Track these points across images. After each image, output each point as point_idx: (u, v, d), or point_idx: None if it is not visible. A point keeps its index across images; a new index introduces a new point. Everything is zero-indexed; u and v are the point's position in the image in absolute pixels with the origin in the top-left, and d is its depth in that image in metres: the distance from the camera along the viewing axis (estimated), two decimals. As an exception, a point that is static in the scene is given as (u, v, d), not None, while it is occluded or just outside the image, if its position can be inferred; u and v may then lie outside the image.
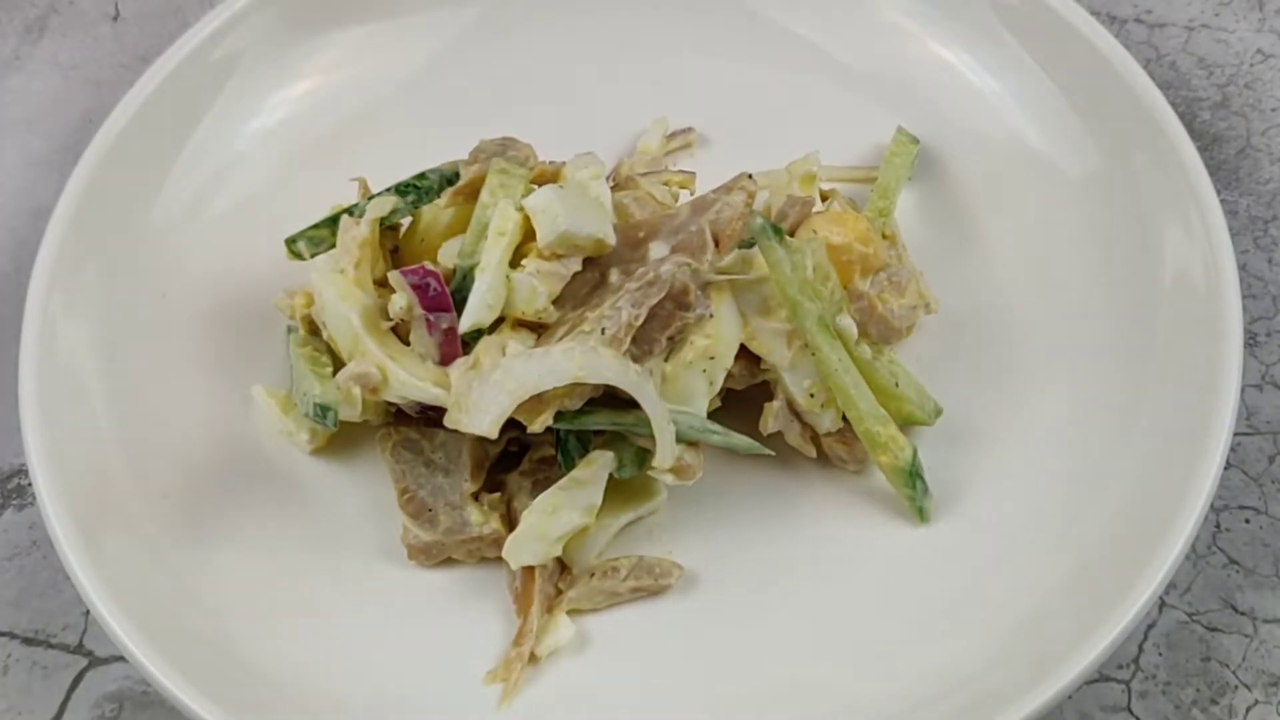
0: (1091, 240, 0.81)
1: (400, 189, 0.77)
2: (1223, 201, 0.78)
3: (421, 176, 0.78)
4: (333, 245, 0.78)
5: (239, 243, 0.84)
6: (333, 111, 0.89)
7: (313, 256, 0.79)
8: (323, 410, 0.73)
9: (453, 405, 0.69)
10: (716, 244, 0.71)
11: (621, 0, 0.92)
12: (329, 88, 0.91)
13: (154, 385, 0.79)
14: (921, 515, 0.73)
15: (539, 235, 0.72)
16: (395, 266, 0.78)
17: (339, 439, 0.78)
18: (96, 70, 1.02)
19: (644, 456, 0.72)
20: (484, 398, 0.68)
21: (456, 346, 0.71)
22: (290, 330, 0.79)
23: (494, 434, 0.68)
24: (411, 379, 0.72)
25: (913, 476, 0.73)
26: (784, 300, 0.72)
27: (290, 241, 0.79)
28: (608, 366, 0.68)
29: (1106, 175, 0.82)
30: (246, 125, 0.89)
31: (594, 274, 0.73)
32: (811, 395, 0.73)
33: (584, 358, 0.67)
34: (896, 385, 0.74)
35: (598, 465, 0.72)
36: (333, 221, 0.80)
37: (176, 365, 0.80)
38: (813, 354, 0.72)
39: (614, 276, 0.73)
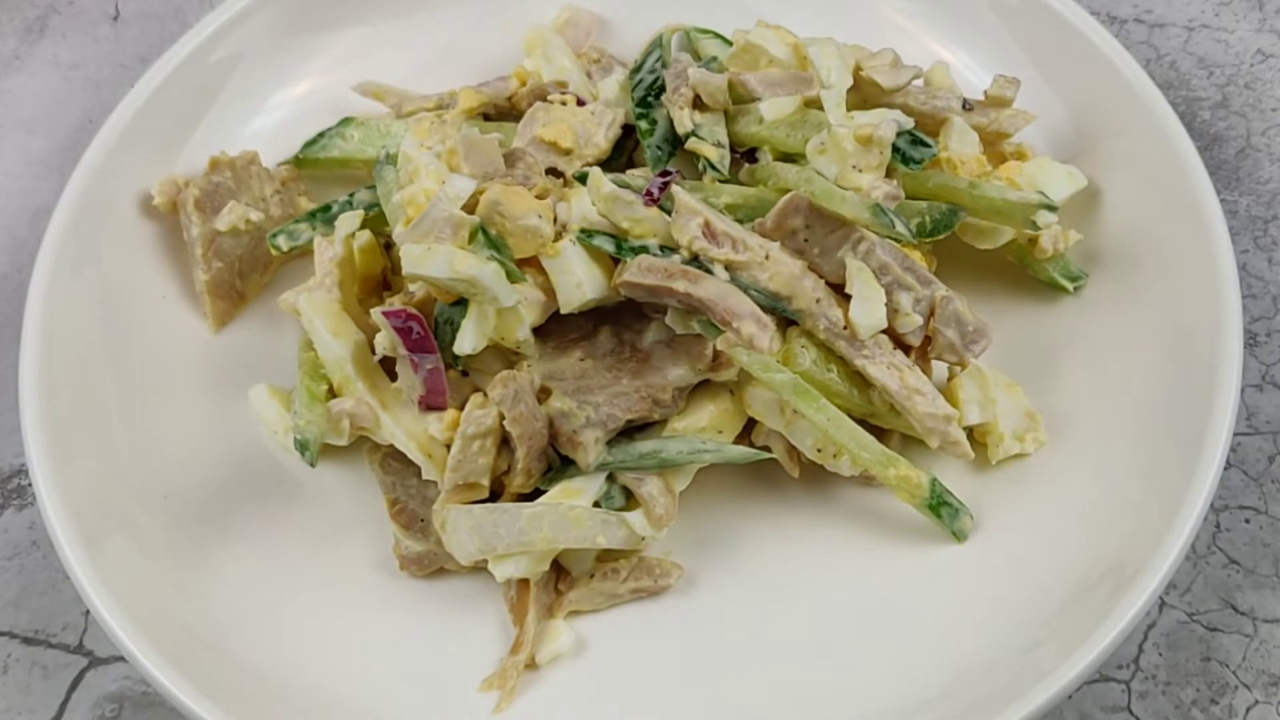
0: (1090, 241, 0.81)
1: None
2: (1223, 201, 0.78)
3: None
4: (310, 239, 0.79)
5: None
6: (333, 112, 0.89)
7: (290, 250, 0.80)
8: (301, 446, 0.73)
9: (437, 524, 0.71)
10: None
11: (619, 1, 0.93)
12: (329, 88, 0.91)
13: (154, 386, 0.79)
14: (956, 538, 0.72)
15: (560, 299, 0.72)
16: (392, 264, 0.79)
17: (339, 439, 0.78)
18: (96, 70, 1.02)
19: (630, 493, 0.72)
20: (459, 544, 0.70)
21: (441, 384, 0.72)
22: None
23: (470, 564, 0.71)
24: (399, 432, 0.73)
25: (936, 507, 0.72)
26: (762, 383, 0.71)
27: (271, 236, 0.80)
28: (575, 531, 0.69)
29: (1106, 175, 0.82)
30: (246, 125, 0.89)
31: (584, 320, 0.74)
32: (819, 450, 0.73)
33: (552, 528, 0.69)
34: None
35: (586, 487, 0.72)
36: (311, 216, 0.81)
37: (177, 366, 0.80)
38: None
39: (604, 336, 0.74)
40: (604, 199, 0.72)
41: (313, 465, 0.73)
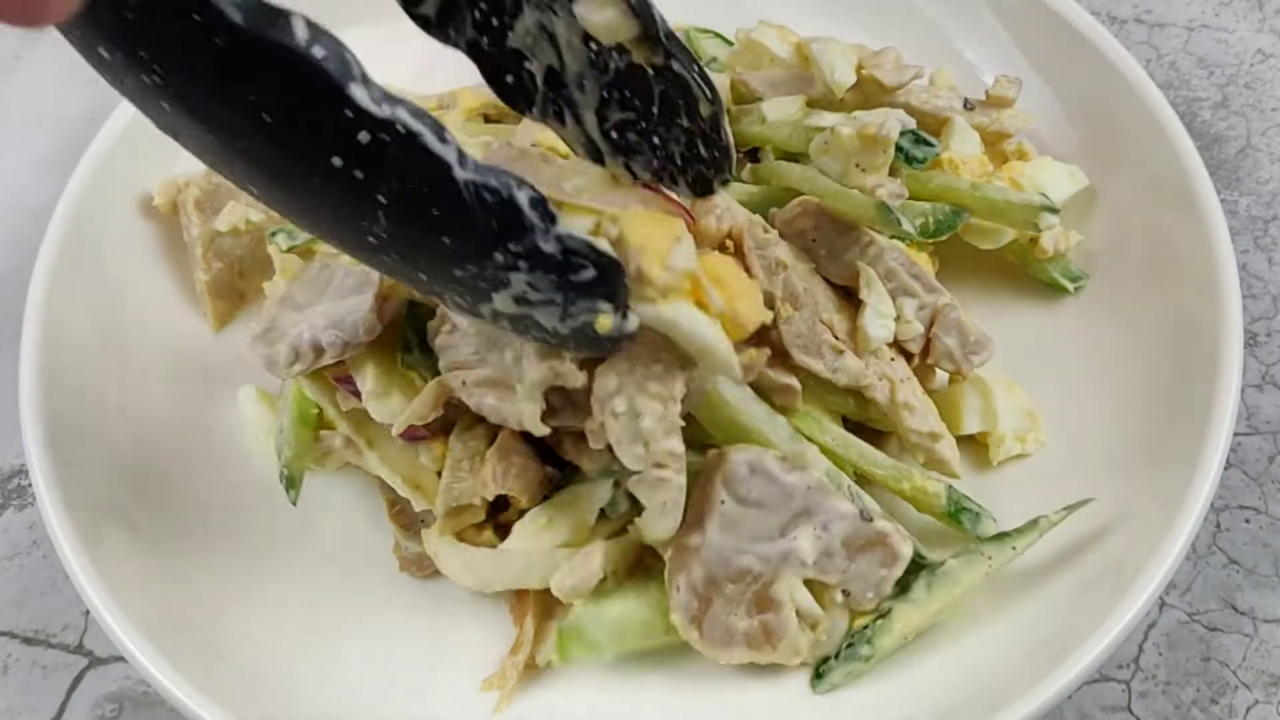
0: (1091, 241, 0.81)
1: None
2: (1223, 201, 0.78)
3: None
4: (310, 238, 0.79)
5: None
6: (333, 111, 0.88)
7: (290, 250, 0.80)
8: (288, 482, 0.73)
9: (429, 552, 0.71)
10: None
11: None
12: (329, 88, 0.90)
13: (154, 386, 0.79)
14: (979, 541, 0.71)
15: None
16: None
17: (339, 439, 0.78)
18: (96, 70, 1.02)
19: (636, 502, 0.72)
20: (454, 573, 0.70)
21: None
22: None
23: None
24: (384, 468, 0.72)
25: (956, 514, 0.71)
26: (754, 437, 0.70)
27: (270, 234, 0.80)
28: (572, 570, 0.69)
29: (1106, 175, 0.82)
30: (247, 125, 0.89)
31: None
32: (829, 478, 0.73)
33: (546, 570, 0.68)
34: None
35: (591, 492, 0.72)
36: None
37: (177, 367, 0.80)
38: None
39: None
40: None
41: (293, 504, 0.73)
